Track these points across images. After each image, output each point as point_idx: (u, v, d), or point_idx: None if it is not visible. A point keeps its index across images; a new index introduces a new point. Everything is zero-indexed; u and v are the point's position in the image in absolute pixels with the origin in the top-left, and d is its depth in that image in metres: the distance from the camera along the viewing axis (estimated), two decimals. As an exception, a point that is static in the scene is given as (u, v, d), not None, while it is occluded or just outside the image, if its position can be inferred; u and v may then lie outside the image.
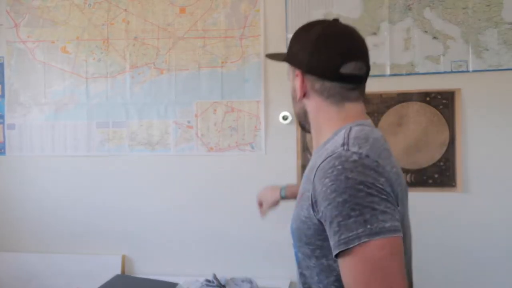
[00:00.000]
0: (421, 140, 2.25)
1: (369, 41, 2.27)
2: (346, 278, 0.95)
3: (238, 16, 2.41)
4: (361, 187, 0.93)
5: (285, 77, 2.34)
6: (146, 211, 2.49)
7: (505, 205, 2.19)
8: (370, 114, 2.29)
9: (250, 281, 2.26)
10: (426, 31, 2.24)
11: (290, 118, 2.35)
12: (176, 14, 2.45)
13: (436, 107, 2.24)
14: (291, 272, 2.39)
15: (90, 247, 2.53)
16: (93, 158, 2.53)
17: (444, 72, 2.24)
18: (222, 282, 2.23)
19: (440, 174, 2.23)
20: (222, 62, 2.41)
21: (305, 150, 2.34)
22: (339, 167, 0.96)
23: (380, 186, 0.95)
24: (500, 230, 2.20)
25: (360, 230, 0.90)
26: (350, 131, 1.06)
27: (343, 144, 1.01)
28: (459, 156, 2.22)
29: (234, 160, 2.42)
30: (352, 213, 0.92)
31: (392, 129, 2.27)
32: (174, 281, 2.27)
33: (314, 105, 1.14)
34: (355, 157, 0.97)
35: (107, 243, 2.52)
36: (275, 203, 1.80)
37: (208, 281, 2.22)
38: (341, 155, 0.98)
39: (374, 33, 2.28)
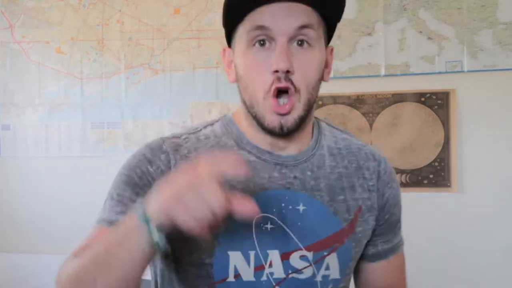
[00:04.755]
0: (416, 140, 2.25)
1: (364, 41, 2.29)
2: (395, 274, 1.02)
3: (233, 17, 2.40)
4: None
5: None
6: (141, 212, 2.49)
7: (500, 205, 2.20)
8: (365, 114, 2.29)
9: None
10: (421, 32, 2.24)
11: (285, 119, 2.34)
12: (171, 14, 2.45)
13: (431, 107, 2.24)
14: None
15: (85, 248, 2.52)
16: (87, 159, 2.53)
17: (439, 73, 2.24)
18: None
19: (435, 174, 2.23)
20: (217, 63, 2.41)
21: (300, 150, 2.34)
22: (392, 168, 1.04)
23: None
24: (495, 229, 2.20)
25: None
26: (333, 125, 1.04)
27: (364, 143, 1.03)
28: (454, 156, 2.22)
29: (229, 161, 2.41)
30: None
31: (387, 129, 2.27)
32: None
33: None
34: None
35: (102, 244, 2.52)
36: None
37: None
38: (380, 155, 1.03)
39: (369, 34, 2.28)
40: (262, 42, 0.84)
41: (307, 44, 0.85)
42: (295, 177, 0.91)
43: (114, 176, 1.04)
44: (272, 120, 0.85)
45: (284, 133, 0.86)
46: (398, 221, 1.01)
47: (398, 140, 2.26)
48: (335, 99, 2.31)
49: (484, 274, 2.22)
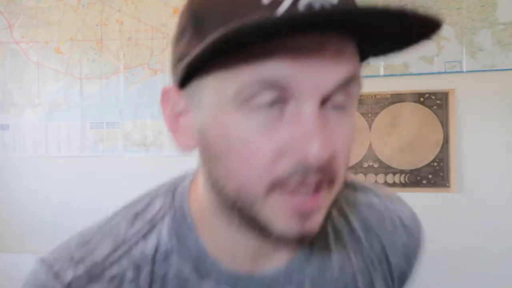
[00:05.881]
0: (415, 140, 2.25)
1: (363, 41, 2.29)
2: None
3: (232, 17, 2.40)
4: None
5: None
6: (140, 212, 2.49)
7: (499, 206, 2.19)
8: (364, 114, 2.29)
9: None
10: (420, 32, 2.24)
11: (284, 119, 2.34)
12: (170, 14, 2.45)
13: (430, 107, 2.24)
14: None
15: (84, 248, 2.52)
16: (86, 159, 2.53)
17: (438, 73, 2.23)
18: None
19: (434, 174, 2.23)
20: (216, 63, 2.40)
21: (299, 150, 2.34)
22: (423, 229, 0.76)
23: None
24: (494, 230, 2.20)
25: None
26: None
27: (387, 199, 0.77)
28: (453, 156, 2.22)
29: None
30: None
31: (386, 129, 2.27)
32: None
33: None
34: None
35: (101, 244, 2.51)
36: None
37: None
38: (412, 218, 0.80)
39: (368, 34, 2.27)
40: (270, 105, 0.48)
41: (345, 107, 0.52)
42: None
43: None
44: (290, 227, 0.51)
45: (303, 244, 0.59)
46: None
47: (397, 140, 2.26)
48: (334, 99, 2.30)
49: (483, 275, 2.22)
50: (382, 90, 2.27)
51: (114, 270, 0.58)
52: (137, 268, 0.58)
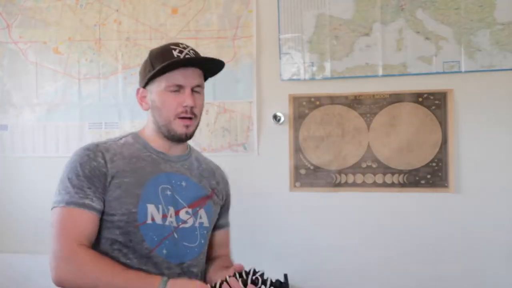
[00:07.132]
0: (413, 140, 2.25)
1: (362, 41, 2.29)
2: (227, 246, 1.68)
3: (230, 17, 2.40)
4: None
5: (278, 78, 2.34)
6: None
7: (497, 206, 2.19)
8: (362, 114, 2.29)
9: (243, 282, 2.25)
10: (418, 32, 2.24)
11: (282, 119, 2.34)
12: (168, 14, 2.45)
13: (428, 107, 2.24)
14: (283, 272, 2.39)
15: (83, 249, 2.52)
16: (85, 159, 2.52)
17: (437, 73, 2.24)
18: (215, 283, 2.22)
19: (433, 174, 2.23)
20: (215, 63, 2.40)
21: (298, 150, 2.34)
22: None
23: None
24: (492, 230, 2.20)
25: None
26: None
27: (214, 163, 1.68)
28: (451, 156, 2.22)
29: (226, 161, 2.38)
30: None
31: (384, 129, 2.27)
32: (167, 282, 2.25)
33: None
34: None
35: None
36: None
37: (201, 282, 2.21)
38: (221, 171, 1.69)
39: (367, 34, 2.28)
40: (175, 90, 1.41)
41: (199, 92, 1.46)
42: (177, 167, 1.48)
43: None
44: (181, 131, 1.43)
45: (186, 140, 1.48)
46: (228, 208, 1.67)
47: (396, 140, 2.26)
48: (333, 99, 2.31)
49: (482, 275, 2.22)
50: (381, 90, 2.27)
51: (114, 146, 1.44)
52: (119, 146, 1.44)
